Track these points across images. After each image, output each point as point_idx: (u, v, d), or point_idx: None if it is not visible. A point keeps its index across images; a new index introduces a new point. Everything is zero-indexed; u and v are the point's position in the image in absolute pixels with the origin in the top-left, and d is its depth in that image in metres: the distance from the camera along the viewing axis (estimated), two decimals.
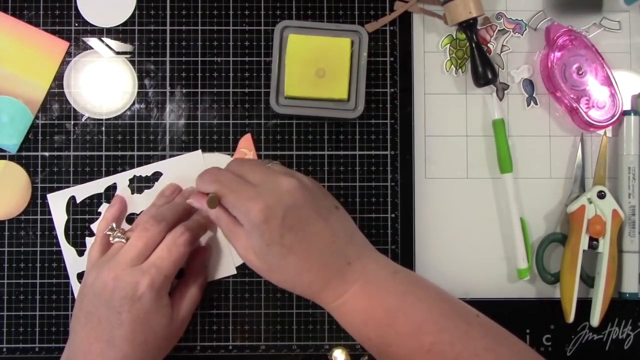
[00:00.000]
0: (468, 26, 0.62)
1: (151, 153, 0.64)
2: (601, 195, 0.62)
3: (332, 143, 0.64)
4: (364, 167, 0.64)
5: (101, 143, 0.64)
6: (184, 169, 0.63)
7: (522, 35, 0.65)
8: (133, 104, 0.64)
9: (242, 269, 0.63)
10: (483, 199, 0.64)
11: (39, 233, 0.63)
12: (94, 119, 0.64)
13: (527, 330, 0.63)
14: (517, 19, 0.65)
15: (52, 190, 0.63)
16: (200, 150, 0.64)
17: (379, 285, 0.54)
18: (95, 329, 0.54)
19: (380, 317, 0.53)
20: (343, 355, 0.63)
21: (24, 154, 0.64)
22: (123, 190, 0.63)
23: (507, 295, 0.64)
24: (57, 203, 0.63)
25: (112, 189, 0.63)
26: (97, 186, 0.63)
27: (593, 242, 0.62)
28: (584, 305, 0.62)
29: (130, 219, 0.63)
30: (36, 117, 0.64)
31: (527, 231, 0.63)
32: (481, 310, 0.63)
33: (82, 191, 0.63)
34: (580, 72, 0.63)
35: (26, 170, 0.63)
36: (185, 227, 0.57)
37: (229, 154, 0.64)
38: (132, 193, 0.63)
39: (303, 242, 0.53)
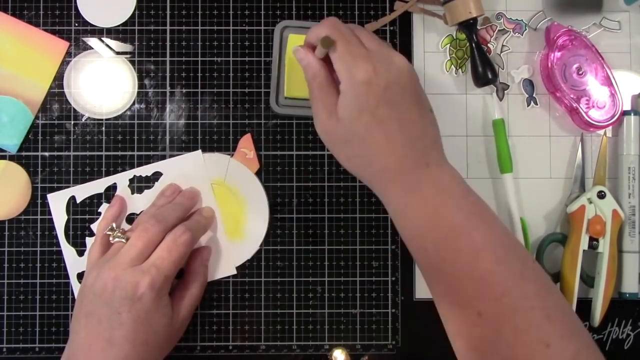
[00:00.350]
0: (468, 26, 0.62)
1: (151, 153, 0.64)
2: (601, 195, 0.62)
3: None
4: None
5: (101, 143, 0.64)
6: (184, 169, 0.63)
7: (522, 35, 0.65)
8: (133, 104, 0.64)
9: (242, 269, 0.63)
10: (483, 199, 0.64)
11: (39, 233, 0.63)
12: (94, 119, 0.64)
13: None
14: (517, 19, 0.65)
15: (52, 190, 0.63)
16: (200, 151, 0.64)
17: (451, 197, 0.51)
18: (95, 329, 0.54)
19: (444, 229, 0.50)
20: (343, 355, 0.63)
21: (24, 154, 0.64)
22: (123, 190, 0.63)
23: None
24: (57, 203, 0.63)
25: (112, 189, 0.63)
26: (97, 186, 0.63)
27: (593, 242, 0.62)
28: (584, 305, 0.62)
29: (130, 218, 0.63)
30: (36, 117, 0.64)
31: (527, 231, 0.63)
32: None
33: (82, 191, 0.63)
34: (580, 72, 0.63)
35: (26, 170, 0.63)
36: (186, 227, 0.57)
37: (229, 154, 0.64)
38: (132, 193, 0.63)
39: (394, 122, 0.50)
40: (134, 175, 0.63)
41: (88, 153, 0.64)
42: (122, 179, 0.63)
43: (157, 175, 0.64)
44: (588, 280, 0.63)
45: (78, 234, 0.63)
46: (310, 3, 0.65)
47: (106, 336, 0.53)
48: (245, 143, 0.64)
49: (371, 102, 0.50)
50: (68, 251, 0.63)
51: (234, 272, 0.63)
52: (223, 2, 0.65)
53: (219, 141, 0.64)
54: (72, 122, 0.64)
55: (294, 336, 0.63)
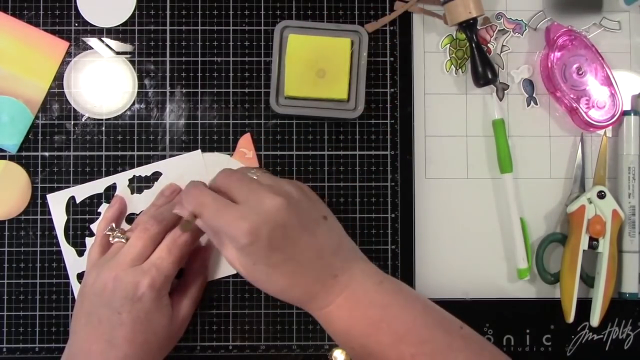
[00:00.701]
0: (468, 26, 0.62)
1: (151, 153, 0.64)
2: (601, 195, 0.62)
3: (332, 143, 0.64)
4: (364, 167, 0.64)
5: (101, 143, 0.64)
6: (183, 169, 0.63)
7: (522, 35, 0.65)
8: (133, 104, 0.64)
9: None
10: (483, 199, 0.64)
11: (39, 233, 0.63)
12: (94, 119, 0.64)
13: (527, 330, 0.63)
14: (517, 19, 0.65)
15: (52, 190, 0.63)
16: (200, 150, 0.64)
17: (363, 295, 0.54)
18: (95, 329, 0.54)
19: (362, 327, 0.53)
20: (343, 355, 0.63)
21: (24, 154, 0.64)
22: (123, 190, 0.63)
23: (507, 295, 0.64)
24: (57, 203, 0.63)
25: (112, 189, 0.63)
26: (97, 186, 0.63)
27: (593, 242, 0.62)
28: (584, 305, 0.62)
29: (130, 218, 0.63)
30: (36, 117, 0.64)
31: (527, 231, 0.63)
32: (482, 311, 0.63)
33: (81, 191, 0.63)
34: (580, 72, 0.63)
35: (26, 170, 0.63)
36: (183, 234, 0.57)
37: (229, 154, 0.64)
38: (132, 193, 0.63)
39: (290, 261, 0.52)
40: (134, 175, 0.63)
41: (88, 153, 0.64)
42: (121, 179, 0.63)
43: (156, 175, 0.64)
44: (588, 280, 0.63)
45: (78, 234, 0.63)
46: (310, 3, 0.65)
47: (106, 336, 0.53)
48: (245, 143, 0.64)
49: (261, 256, 0.51)
50: (68, 251, 0.63)
51: (234, 271, 0.63)
52: (223, 2, 0.65)
53: (219, 141, 0.64)
54: (72, 122, 0.64)
55: (294, 336, 0.63)
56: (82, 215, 0.63)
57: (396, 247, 0.64)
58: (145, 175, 0.63)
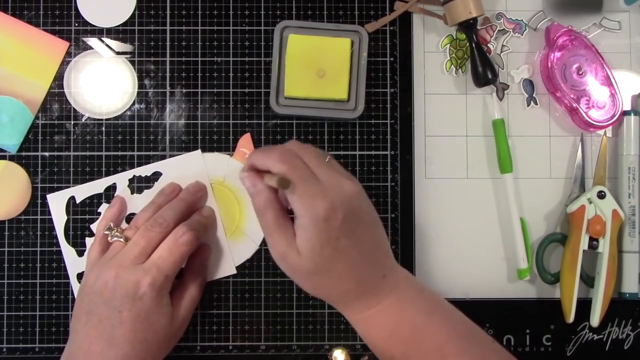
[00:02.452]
0: (468, 26, 0.62)
1: (151, 153, 0.64)
2: (601, 195, 0.62)
3: (332, 143, 0.64)
4: (364, 167, 0.64)
5: (101, 143, 0.64)
6: (183, 169, 0.63)
7: (522, 35, 0.65)
8: (133, 104, 0.64)
9: (242, 269, 0.63)
10: (483, 199, 0.64)
11: (39, 233, 0.63)
12: (94, 119, 0.64)
13: (527, 330, 0.63)
14: (517, 19, 0.65)
15: (52, 190, 0.63)
16: (200, 150, 0.64)
17: (409, 301, 0.53)
18: (95, 328, 0.54)
19: (406, 333, 0.52)
20: (343, 355, 0.63)
21: (24, 154, 0.64)
22: (123, 190, 0.63)
23: (507, 295, 0.64)
24: (57, 203, 0.63)
25: (112, 189, 0.63)
26: (97, 186, 0.63)
27: (593, 242, 0.62)
28: (584, 305, 0.62)
29: (130, 219, 0.63)
30: (36, 117, 0.64)
31: (527, 231, 0.63)
32: (482, 311, 0.63)
33: (81, 191, 0.63)
34: (580, 72, 0.63)
35: (26, 170, 0.63)
36: (187, 226, 0.57)
37: (229, 154, 0.64)
38: (132, 193, 0.63)
39: (353, 249, 0.51)
40: (134, 176, 0.63)
41: (88, 153, 0.64)
42: (121, 179, 0.63)
43: (156, 175, 0.64)
44: (588, 280, 0.63)
45: (78, 234, 0.63)
46: (310, 3, 0.65)
47: (106, 336, 0.53)
48: (245, 143, 0.64)
49: (332, 237, 0.50)
50: (68, 251, 0.63)
51: (234, 271, 0.63)
52: (223, 2, 0.65)
53: (219, 141, 0.64)
54: (72, 122, 0.64)
55: (294, 336, 0.63)
56: (82, 215, 0.63)
57: (396, 247, 0.64)
58: (145, 176, 0.63)
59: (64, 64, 0.64)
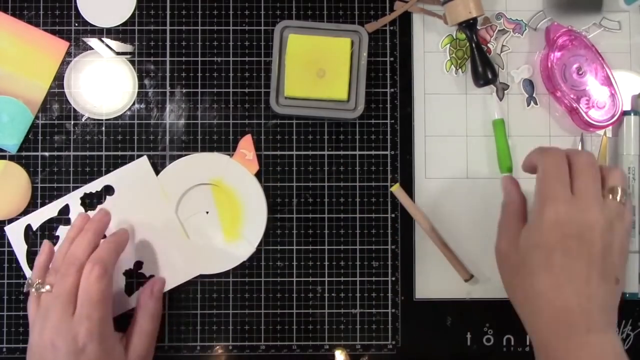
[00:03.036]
0: (468, 26, 0.62)
1: (151, 153, 0.64)
2: None
3: (332, 143, 0.64)
4: (364, 167, 0.64)
5: (101, 143, 0.64)
6: (133, 178, 0.63)
7: (522, 35, 0.65)
8: (133, 104, 0.64)
9: (242, 269, 0.63)
10: (483, 199, 0.64)
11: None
12: (94, 119, 0.64)
13: None
14: (517, 19, 0.65)
15: (52, 190, 0.63)
16: (145, 157, 0.63)
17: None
18: None
19: None
20: (342, 355, 0.63)
21: (24, 154, 0.64)
22: (76, 209, 0.62)
23: (507, 296, 0.64)
24: (15, 234, 0.63)
25: (67, 210, 0.63)
26: (51, 210, 0.63)
27: None
28: None
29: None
30: (36, 117, 0.64)
31: None
32: (482, 311, 0.63)
33: (36, 218, 0.63)
34: (580, 72, 0.63)
35: (26, 170, 0.63)
36: (93, 261, 0.55)
37: (228, 154, 0.64)
38: (86, 211, 0.63)
39: (565, 272, 0.49)
40: (85, 193, 0.63)
41: (88, 153, 0.64)
42: (73, 199, 0.63)
43: (108, 189, 0.63)
44: None
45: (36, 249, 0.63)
46: (310, 3, 0.65)
47: None
48: (245, 144, 0.64)
49: (550, 243, 0.49)
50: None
51: (188, 278, 0.62)
52: (223, 2, 0.65)
53: (219, 141, 0.64)
54: (72, 122, 0.64)
55: (294, 336, 0.63)
56: (41, 240, 0.63)
57: (396, 247, 0.64)
58: (97, 191, 0.63)
59: (64, 64, 0.64)
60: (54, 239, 0.63)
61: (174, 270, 0.62)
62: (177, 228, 0.63)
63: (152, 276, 0.62)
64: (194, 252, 0.63)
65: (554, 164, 0.52)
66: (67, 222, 0.63)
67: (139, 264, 0.63)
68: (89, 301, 0.54)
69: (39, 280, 0.56)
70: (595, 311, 0.49)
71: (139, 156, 0.64)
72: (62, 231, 0.63)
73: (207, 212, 0.63)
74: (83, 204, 0.63)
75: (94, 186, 0.63)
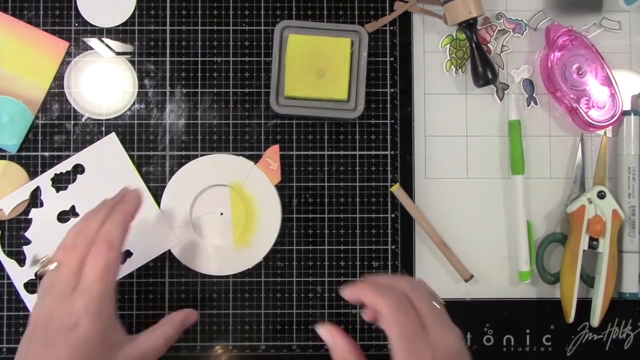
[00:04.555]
0: (468, 26, 0.62)
1: (151, 153, 0.64)
2: (601, 195, 0.62)
3: (332, 143, 0.64)
4: (364, 167, 0.64)
5: None
6: (103, 156, 0.63)
7: (522, 35, 0.65)
8: (133, 104, 0.64)
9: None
10: (483, 199, 0.64)
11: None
12: (94, 119, 0.64)
13: (527, 330, 0.63)
14: (517, 19, 0.65)
15: None
16: (114, 133, 0.63)
17: None
18: None
19: None
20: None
21: (24, 154, 0.64)
22: (47, 190, 0.62)
23: (507, 296, 0.64)
24: None
25: (38, 192, 0.63)
26: (22, 193, 0.63)
27: (593, 242, 0.62)
28: (584, 305, 0.62)
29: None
30: (36, 117, 0.64)
31: (533, 234, 0.63)
32: (482, 311, 0.63)
33: (7, 202, 0.62)
34: (580, 72, 0.63)
35: (26, 170, 0.63)
36: (102, 237, 0.51)
37: (253, 161, 0.63)
38: (58, 192, 0.63)
39: None
40: (55, 174, 0.63)
41: None
42: (44, 181, 0.63)
43: (78, 169, 0.63)
44: (588, 280, 0.63)
45: (14, 242, 0.63)
46: (310, 3, 0.65)
47: None
48: (272, 153, 0.63)
49: None
50: (9, 264, 0.62)
51: (174, 244, 0.62)
52: (223, 2, 0.65)
53: (219, 141, 0.64)
54: (72, 122, 0.64)
55: (294, 336, 0.63)
56: (17, 224, 0.63)
57: (396, 247, 0.64)
58: (67, 171, 0.63)
59: (64, 64, 0.64)
60: (26, 224, 0.63)
61: (147, 244, 0.62)
62: (149, 202, 0.63)
63: (127, 251, 0.62)
64: (233, 257, 0.62)
65: (412, 321, 0.48)
66: (40, 204, 0.63)
67: None
68: (91, 277, 0.50)
69: (45, 257, 0.52)
70: None
71: (138, 156, 0.64)
72: (34, 214, 0.62)
73: (222, 214, 0.63)
74: (54, 185, 0.63)
75: (64, 166, 0.63)
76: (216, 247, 0.63)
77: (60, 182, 0.63)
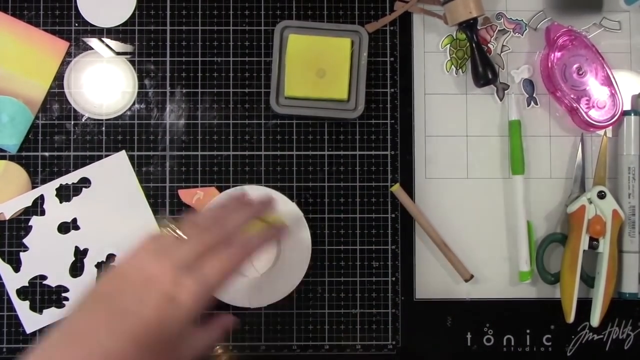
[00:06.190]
0: (468, 26, 0.62)
1: (151, 153, 0.64)
2: (601, 195, 0.62)
3: (332, 143, 0.64)
4: (364, 167, 0.64)
5: (101, 143, 0.64)
6: (111, 172, 0.63)
7: (522, 35, 0.65)
8: (133, 104, 0.64)
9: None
10: (483, 199, 0.64)
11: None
12: (94, 119, 0.64)
13: (527, 330, 0.63)
14: (517, 19, 0.65)
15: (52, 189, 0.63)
16: (124, 151, 0.63)
17: None
18: (106, 312, 0.44)
19: None
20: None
21: (24, 154, 0.64)
22: (51, 200, 0.62)
23: (507, 296, 0.64)
24: None
25: (40, 201, 0.63)
26: (25, 200, 0.63)
27: (593, 242, 0.62)
28: (584, 305, 0.62)
29: (64, 227, 0.63)
30: (36, 117, 0.64)
31: (533, 234, 0.63)
32: (482, 311, 0.63)
33: (9, 207, 0.62)
34: (580, 72, 0.63)
35: (26, 170, 0.63)
36: (245, 242, 0.50)
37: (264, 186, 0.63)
38: (61, 202, 0.63)
39: None
40: (60, 184, 0.63)
41: (88, 153, 0.64)
42: (48, 190, 0.63)
43: (84, 182, 0.63)
44: (588, 280, 0.63)
45: (13, 250, 0.63)
46: (310, 3, 0.65)
47: (112, 325, 0.44)
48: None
49: None
50: (4, 268, 0.62)
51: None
52: (223, 2, 0.65)
53: (219, 141, 0.64)
54: (72, 122, 0.64)
55: (294, 336, 0.63)
56: (16, 231, 0.63)
57: (396, 247, 0.64)
58: (72, 183, 0.63)
59: (64, 64, 0.64)
60: (23, 232, 0.63)
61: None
62: (151, 222, 0.62)
63: None
64: (254, 287, 0.62)
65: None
66: (42, 212, 0.63)
67: (111, 257, 0.63)
68: (215, 268, 0.47)
69: (175, 225, 0.49)
70: None
71: (139, 156, 0.64)
72: (34, 222, 0.62)
73: None
74: (58, 195, 0.63)
75: (71, 178, 0.63)
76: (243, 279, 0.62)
77: (65, 193, 0.63)
